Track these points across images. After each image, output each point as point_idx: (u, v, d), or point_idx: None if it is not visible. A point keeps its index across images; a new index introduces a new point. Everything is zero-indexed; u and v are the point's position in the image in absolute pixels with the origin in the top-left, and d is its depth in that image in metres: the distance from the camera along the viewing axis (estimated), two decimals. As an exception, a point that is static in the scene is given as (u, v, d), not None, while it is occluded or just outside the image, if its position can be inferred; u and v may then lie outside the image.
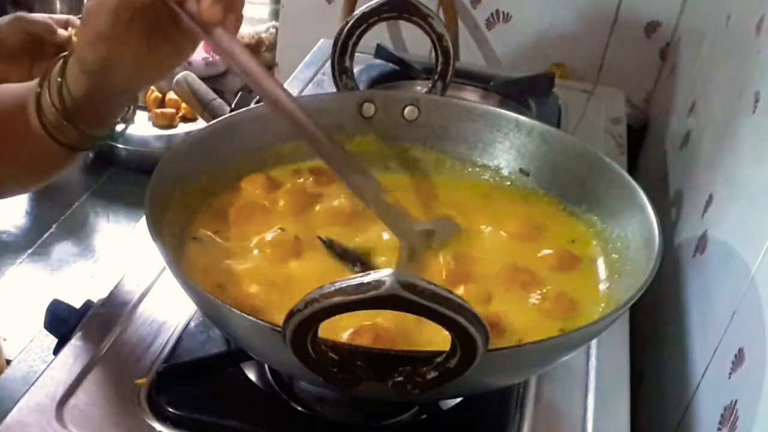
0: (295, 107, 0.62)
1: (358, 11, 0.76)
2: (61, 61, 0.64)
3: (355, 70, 0.80)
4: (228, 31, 0.60)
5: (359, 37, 0.77)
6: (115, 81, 0.63)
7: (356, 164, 0.65)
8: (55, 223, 1.84)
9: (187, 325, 0.70)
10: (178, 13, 0.60)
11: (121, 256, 0.83)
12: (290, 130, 0.64)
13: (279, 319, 0.46)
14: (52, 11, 2.40)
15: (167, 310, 0.71)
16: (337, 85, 0.79)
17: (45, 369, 0.65)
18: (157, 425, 0.60)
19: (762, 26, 0.86)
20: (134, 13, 0.60)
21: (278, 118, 0.63)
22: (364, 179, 0.65)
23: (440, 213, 0.72)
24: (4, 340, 1.08)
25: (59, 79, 0.64)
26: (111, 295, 0.73)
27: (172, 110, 1.95)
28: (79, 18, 0.64)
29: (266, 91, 0.62)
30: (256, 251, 0.65)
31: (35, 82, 0.66)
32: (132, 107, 0.69)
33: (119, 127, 0.69)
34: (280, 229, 0.66)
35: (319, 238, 0.66)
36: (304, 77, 1.18)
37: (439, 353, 0.47)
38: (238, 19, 0.61)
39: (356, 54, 0.78)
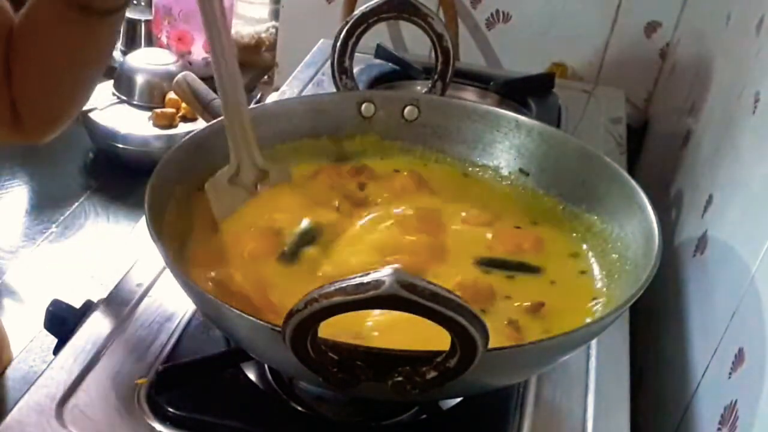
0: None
1: (358, 11, 0.76)
2: None
3: (355, 70, 0.80)
4: None
5: (359, 37, 0.77)
6: None
7: (241, 84, 0.68)
8: (55, 223, 1.84)
9: (187, 325, 0.70)
10: None
11: (121, 256, 0.83)
12: (289, 130, 0.65)
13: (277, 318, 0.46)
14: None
15: (167, 310, 0.71)
16: (337, 85, 0.79)
17: (45, 369, 0.65)
18: (157, 425, 0.60)
19: (762, 26, 0.86)
20: None
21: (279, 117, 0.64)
22: (241, 97, 0.68)
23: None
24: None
25: None
26: (111, 295, 0.73)
27: (172, 110, 1.95)
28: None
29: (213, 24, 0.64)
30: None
31: None
32: None
33: None
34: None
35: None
36: (304, 77, 1.18)
37: (438, 353, 0.47)
38: None
39: (356, 54, 0.78)
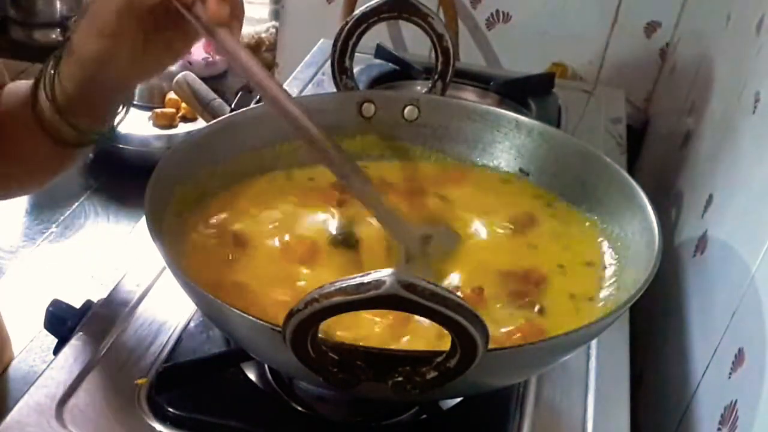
0: (296, 109, 0.63)
1: (358, 11, 0.76)
2: (55, 55, 0.65)
3: (355, 70, 0.80)
4: (232, 34, 0.61)
5: (359, 37, 0.77)
6: (108, 76, 0.64)
7: (357, 168, 0.65)
8: (55, 223, 1.84)
9: (187, 325, 0.70)
10: (184, 15, 0.61)
11: (121, 256, 0.83)
12: (290, 131, 0.64)
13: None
14: (53, 11, 2.40)
15: (167, 310, 0.71)
16: (337, 85, 0.79)
17: (45, 369, 0.65)
18: (157, 425, 0.60)
19: (762, 26, 0.86)
20: (139, 14, 0.61)
21: (279, 118, 0.64)
22: (364, 183, 0.65)
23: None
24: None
25: (53, 72, 0.65)
26: (111, 295, 0.73)
27: (172, 110, 1.95)
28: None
29: (268, 93, 0.63)
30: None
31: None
32: (126, 107, 0.69)
33: (113, 126, 0.70)
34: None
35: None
36: (304, 77, 1.18)
37: (439, 353, 0.47)
38: (241, 24, 0.63)
39: (356, 54, 0.78)
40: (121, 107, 0.70)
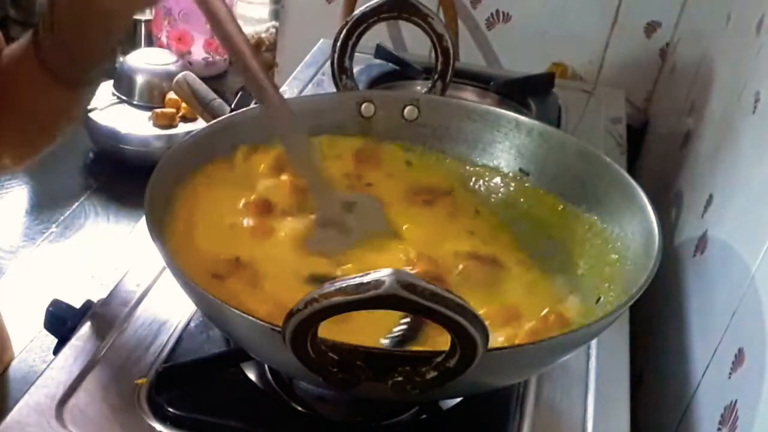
0: (254, 61, 0.64)
1: (358, 11, 0.76)
2: None
3: (355, 70, 0.80)
4: None
5: (359, 37, 0.77)
6: (101, 3, 0.64)
7: (298, 124, 0.67)
8: (55, 223, 1.85)
9: (187, 325, 0.70)
10: None
11: (121, 256, 0.83)
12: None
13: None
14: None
15: (167, 310, 0.71)
16: (337, 85, 0.79)
17: (45, 369, 0.65)
18: (157, 425, 0.60)
19: (762, 26, 0.86)
20: None
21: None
22: (302, 141, 0.67)
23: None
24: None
25: (51, 9, 0.65)
26: (111, 295, 0.73)
27: (172, 110, 1.95)
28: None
29: (232, 43, 0.63)
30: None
31: None
32: (120, 46, 0.71)
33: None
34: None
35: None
36: (304, 77, 1.18)
37: (438, 353, 0.47)
38: None
39: (356, 54, 0.78)
40: (117, 45, 0.70)
